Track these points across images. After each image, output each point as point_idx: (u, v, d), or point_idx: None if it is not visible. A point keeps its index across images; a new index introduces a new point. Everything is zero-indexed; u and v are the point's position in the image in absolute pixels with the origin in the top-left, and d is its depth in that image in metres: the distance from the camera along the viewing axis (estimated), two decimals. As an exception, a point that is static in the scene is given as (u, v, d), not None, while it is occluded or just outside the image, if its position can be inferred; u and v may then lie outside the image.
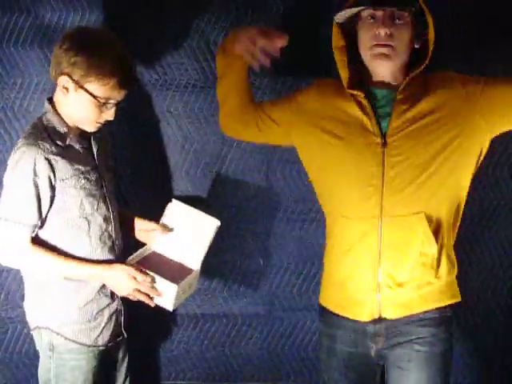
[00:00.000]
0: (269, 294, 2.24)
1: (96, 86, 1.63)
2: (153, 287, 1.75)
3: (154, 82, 2.08)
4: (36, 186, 1.64)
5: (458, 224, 1.75)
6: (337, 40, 1.71)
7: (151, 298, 1.77)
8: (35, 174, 1.63)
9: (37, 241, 1.69)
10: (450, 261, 1.71)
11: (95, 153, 1.77)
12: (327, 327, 1.81)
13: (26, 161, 1.62)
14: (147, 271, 1.75)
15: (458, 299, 1.75)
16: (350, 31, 1.71)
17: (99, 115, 1.68)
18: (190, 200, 2.15)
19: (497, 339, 2.29)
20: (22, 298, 2.13)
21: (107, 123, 1.73)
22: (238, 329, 2.28)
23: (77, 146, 1.72)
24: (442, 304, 1.71)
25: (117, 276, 1.73)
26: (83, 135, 1.75)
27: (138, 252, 1.86)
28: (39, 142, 1.64)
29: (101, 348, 1.80)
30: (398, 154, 1.63)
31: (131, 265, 1.77)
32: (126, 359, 1.94)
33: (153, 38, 2.05)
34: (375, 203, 1.65)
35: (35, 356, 2.21)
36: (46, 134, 1.67)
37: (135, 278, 1.73)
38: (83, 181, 1.70)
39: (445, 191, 1.66)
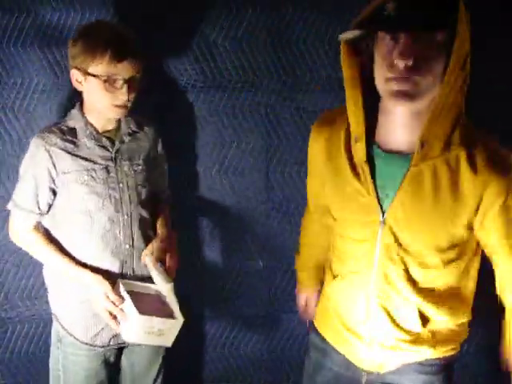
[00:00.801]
0: (268, 295, 2.24)
1: (95, 67, 1.65)
2: (121, 310, 1.69)
3: (153, 82, 2.07)
4: (35, 176, 1.72)
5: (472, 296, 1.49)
6: (347, 66, 1.31)
7: (118, 323, 1.71)
8: (35, 164, 1.72)
9: (43, 229, 1.79)
10: (451, 333, 1.49)
11: (113, 153, 1.76)
12: (320, 340, 1.62)
13: (31, 151, 1.73)
14: (123, 293, 1.70)
15: (458, 350, 1.54)
16: (366, 50, 1.31)
17: (112, 96, 1.68)
18: (189, 200, 2.16)
19: None
20: (22, 298, 2.15)
21: (128, 106, 1.72)
22: (238, 330, 2.28)
23: (90, 143, 1.74)
24: (441, 355, 1.50)
25: (93, 287, 1.71)
26: (109, 134, 1.77)
27: (145, 284, 1.77)
28: (46, 134, 1.72)
29: (98, 348, 1.80)
30: (396, 238, 1.36)
31: (120, 283, 1.72)
32: (162, 350, 1.95)
33: (153, 38, 2.04)
34: (366, 282, 1.42)
35: (34, 356, 2.22)
36: (59, 128, 1.74)
37: (108, 297, 1.69)
38: (86, 177, 1.71)
39: (446, 284, 1.42)
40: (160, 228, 1.86)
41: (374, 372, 1.52)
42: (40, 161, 1.70)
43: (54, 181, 1.72)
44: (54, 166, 1.70)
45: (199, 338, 2.28)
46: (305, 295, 1.87)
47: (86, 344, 1.79)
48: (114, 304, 1.69)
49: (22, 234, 1.78)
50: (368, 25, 1.21)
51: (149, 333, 1.69)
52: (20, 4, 1.97)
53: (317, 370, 1.63)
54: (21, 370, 2.24)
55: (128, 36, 1.69)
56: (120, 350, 1.89)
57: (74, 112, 1.77)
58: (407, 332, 1.44)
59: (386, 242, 1.37)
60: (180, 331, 2.04)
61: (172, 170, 2.08)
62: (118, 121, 1.80)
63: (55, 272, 1.81)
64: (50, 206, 1.76)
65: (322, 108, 2.05)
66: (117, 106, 1.70)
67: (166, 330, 1.72)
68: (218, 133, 2.12)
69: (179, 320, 1.74)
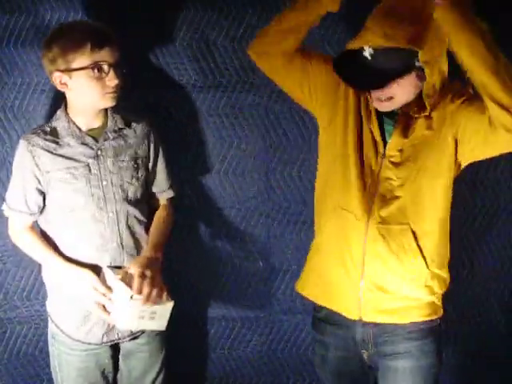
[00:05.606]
0: (268, 296, 2.23)
1: (79, 60, 1.67)
2: (110, 300, 1.71)
3: (153, 82, 2.08)
4: (22, 177, 1.77)
5: (448, 240, 1.75)
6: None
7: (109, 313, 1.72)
8: (22, 166, 1.77)
9: (39, 229, 1.84)
10: (438, 279, 1.71)
11: (95, 150, 1.76)
12: (320, 334, 1.84)
13: (18, 153, 1.78)
14: (113, 281, 1.70)
15: (441, 313, 1.75)
16: None
17: (102, 84, 1.70)
18: (189, 200, 2.16)
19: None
20: (20, 298, 2.14)
21: (117, 92, 1.74)
22: (238, 331, 2.26)
23: (72, 141, 1.75)
24: (427, 318, 1.71)
25: (81, 281, 1.73)
26: (93, 132, 1.78)
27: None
28: (30, 135, 1.77)
29: (93, 346, 1.81)
30: (393, 167, 1.67)
31: (108, 270, 1.74)
32: (161, 354, 1.96)
33: (153, 38, 2.04)
34: (366, 207, 1.67)
35: (33, 357, 2.22)
36: (42, 129, 1.78)
37: (97, 289, 1.71)
38: (67, 175, 1.74)
39: (432, 210, 1.68)
40: (147, 250, 1.82)
41: (370, 344, 1.72)
42: (25, 162, 1.75)
43: (39, 181, 1.76)
44: (38, 166, 1.74)
45: (199, 339, 2.27)
46: None
47: (79, 341, 1.80)
48: (104, 295, 1.71)
49: (18, 234, 1.84)
50: (346, 66, 1.63)
51: (142, 317, 1.69)
52: (20, 4, 1.98)
53: (323, 362, 1.85)
54: (19, 371, 2.23)
55: (99, 25, 1.74)
56: (115, 351, 1.88)
57: (59, 113, 1.79)
58: (402, 261, 1.67)
59: (385, 168, 1.67)
60: (180, 332, 2.04)
61: (172, 170, 2.08)
62: (105, 118, 1.80)
63: (50, 271, 1.84)
64: (40, 207, 1.79)
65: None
66: (108, 93, 1.72)
67: (157, 313, 1.72)
68: (218, 133, 2.12)
69: (169, 302, 1.73)
